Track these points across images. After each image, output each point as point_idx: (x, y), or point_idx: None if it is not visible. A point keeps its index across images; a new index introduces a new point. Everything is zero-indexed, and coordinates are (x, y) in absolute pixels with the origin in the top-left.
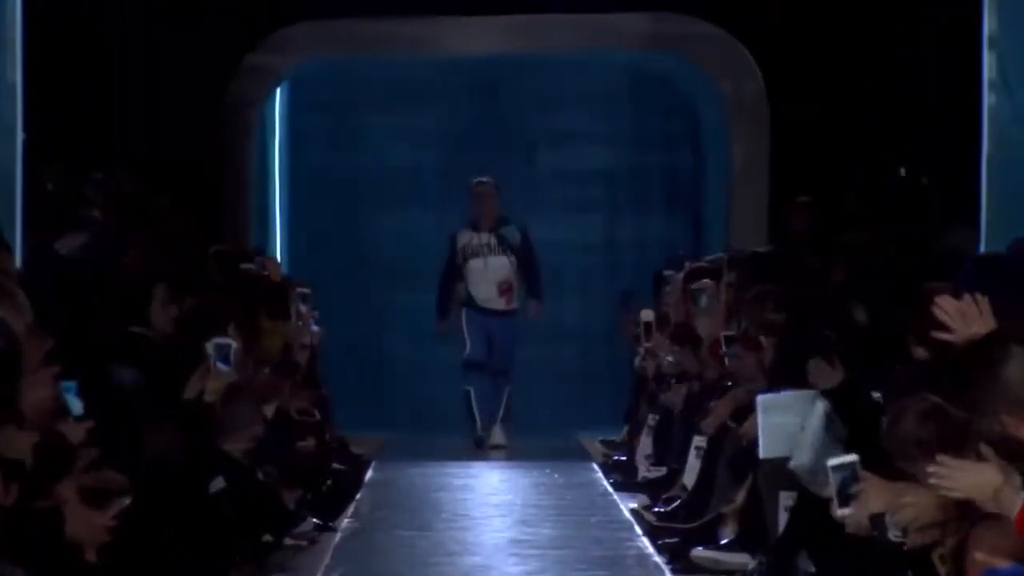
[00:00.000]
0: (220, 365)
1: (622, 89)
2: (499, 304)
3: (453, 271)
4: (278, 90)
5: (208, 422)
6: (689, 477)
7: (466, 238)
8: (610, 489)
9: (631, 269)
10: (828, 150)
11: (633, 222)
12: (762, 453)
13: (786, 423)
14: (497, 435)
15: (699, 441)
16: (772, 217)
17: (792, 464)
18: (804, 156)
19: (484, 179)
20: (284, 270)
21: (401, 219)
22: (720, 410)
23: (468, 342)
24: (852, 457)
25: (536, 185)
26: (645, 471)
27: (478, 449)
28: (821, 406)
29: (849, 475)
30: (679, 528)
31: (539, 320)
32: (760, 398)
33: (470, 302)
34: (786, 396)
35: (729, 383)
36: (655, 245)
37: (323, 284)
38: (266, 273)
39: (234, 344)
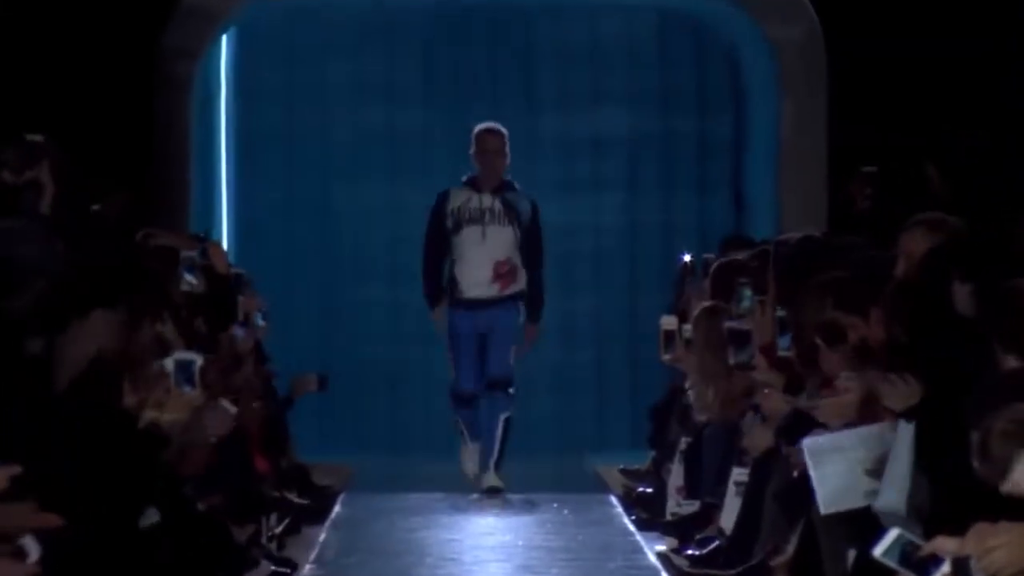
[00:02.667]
0: (185, 388)
1: (647, 37)
2: (492, 291)
3: (440, 242)
4: (223, 38)
5: (159, 456)
6: (728, 518)
7: (461, 198)
8: (632, 528)
9: (657, 258)
10: (899, 109)
11: (660, 201)
12: (823, 508)
13: (846, 466)
14: (491, 476)
15: (739, 474)
16: (832, 193)
17: (878, 505)
18: (870, 117)
19: (492, 126)
20: (232, 259)
21: (375, 194)
22: (762, 432)
23: (455, 363)
24: (893, 532)
25: (541, 155)
26: (675, 506)
27: (466, 476)
28: (908, 431)
29: (906, 546)
30: None
31: (534, 337)
32: (807, 444)
33: (455, 294)
34: (841, 437)
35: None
36: (687, 228)
37: (280, 274)
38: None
39: (199, 360)
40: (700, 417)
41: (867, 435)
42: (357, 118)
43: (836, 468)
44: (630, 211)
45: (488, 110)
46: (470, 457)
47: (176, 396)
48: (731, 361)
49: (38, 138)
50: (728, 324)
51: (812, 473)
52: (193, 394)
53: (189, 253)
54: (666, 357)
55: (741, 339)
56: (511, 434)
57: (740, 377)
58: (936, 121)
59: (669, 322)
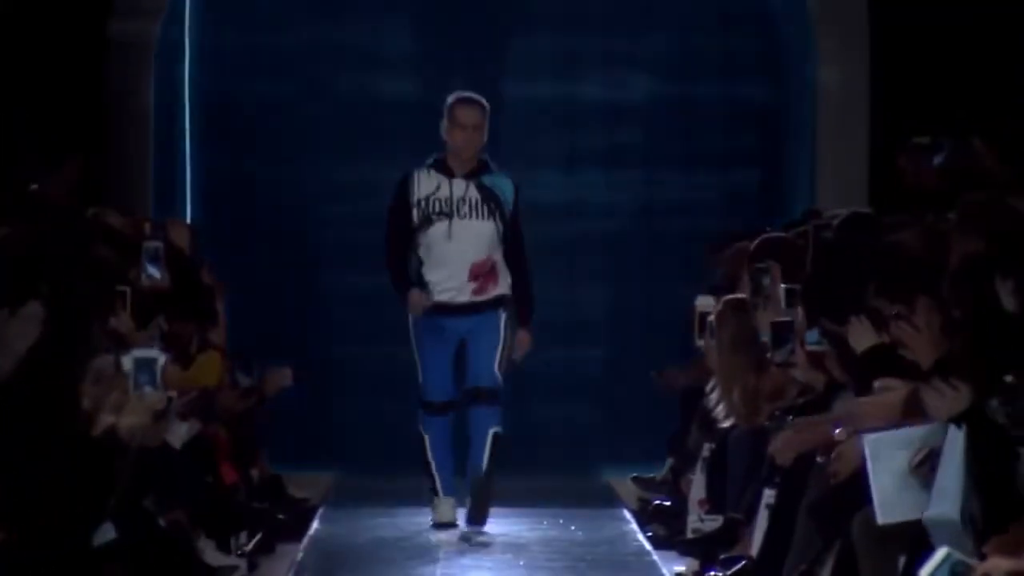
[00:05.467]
0: (146, 389)
1: None
2: (468, 295)
3: (405, 239)
4: None
5: (116, 465)
6: (759, 543)
7: (429, 186)
8: (648, 546)
9: (677, 241)
10: (950, 74)
11: (681, 177)
12: (880, 518)
13: (908, 470)
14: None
15: (771, 497)
16: (874, 167)
17: (927, 516)
18: (918, 83)
19: (471, 95)
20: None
21: (356, 171)
22: (788, 440)
23: (422, 372)
24: (941, 552)
25: (543, 125)
26: (697, 521)
27: (436, 527)
28: (960, 436)
29: (956, 566)
30: None
31: (527, 343)
32: (869, 439)
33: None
34: (905, 433)
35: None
36: (712, 208)
37: (248, 259)
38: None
39: (162, 357)
40: (724, 422)
41: (924, 434)
42: (336, 86)
43: (896, 470)
44: (647, 189)
45: (482, 74)
46: (446, 508)
47: (136, 398)
48: (769, 356)
49: None
50: (772, 318)
51: (870, 473)
52: (155, 396)
53: (153, 243)
54: (701, 343)
55: (782, 332)
56: (496, 452)
57: (769, 376)
58: (989, 83)
59: (705, 304)
